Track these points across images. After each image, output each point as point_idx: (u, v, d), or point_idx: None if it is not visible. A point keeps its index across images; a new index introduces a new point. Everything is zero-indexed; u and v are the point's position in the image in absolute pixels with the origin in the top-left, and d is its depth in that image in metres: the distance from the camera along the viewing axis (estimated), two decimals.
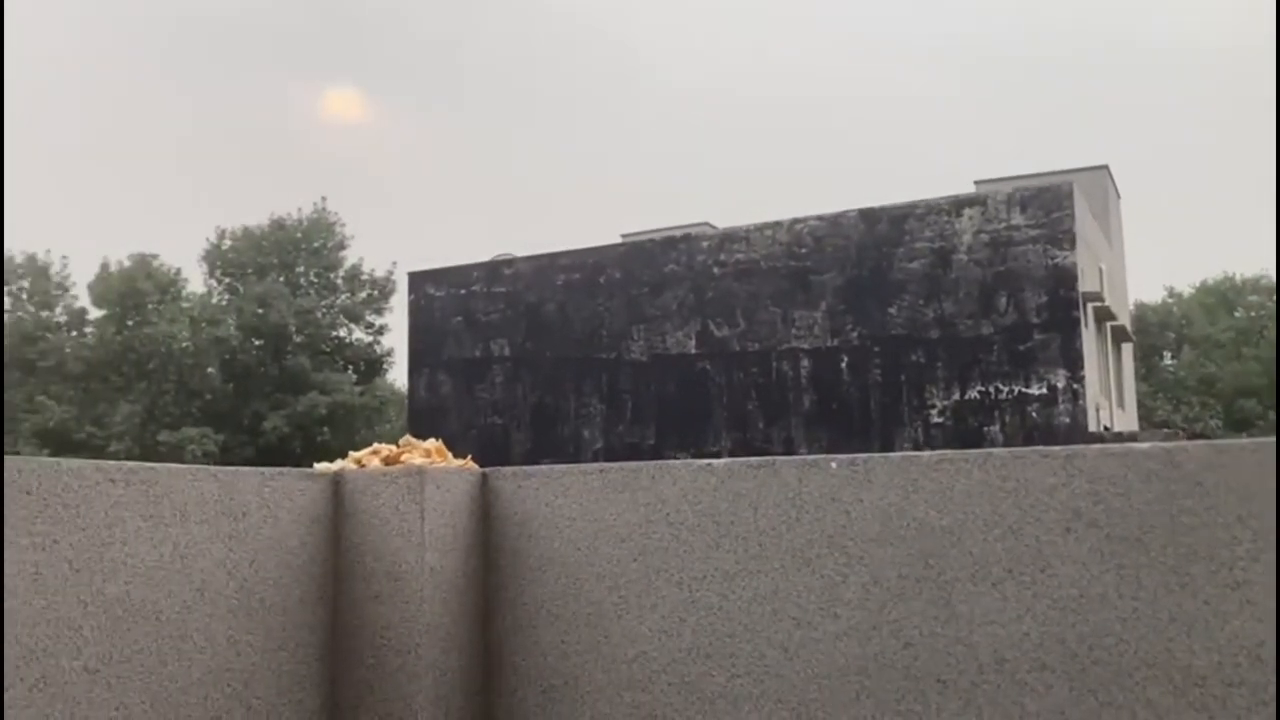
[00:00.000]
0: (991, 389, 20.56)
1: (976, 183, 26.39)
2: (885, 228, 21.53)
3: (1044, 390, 20.14)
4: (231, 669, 2.13)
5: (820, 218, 22.42)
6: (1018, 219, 20.53)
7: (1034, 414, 20.17)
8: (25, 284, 35.97)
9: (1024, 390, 20.29)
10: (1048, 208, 20.23)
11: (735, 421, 22.83)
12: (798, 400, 22.66)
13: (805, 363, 22.60)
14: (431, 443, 2.62)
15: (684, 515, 2.30)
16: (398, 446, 2.61)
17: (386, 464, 2.55)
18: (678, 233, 25.54)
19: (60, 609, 1.85)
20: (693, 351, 23.38)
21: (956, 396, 20.81)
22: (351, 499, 2.41)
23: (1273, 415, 38.94)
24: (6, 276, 35.58)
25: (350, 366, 39.12)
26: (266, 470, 2.29)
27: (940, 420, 20.85)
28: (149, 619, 1.99)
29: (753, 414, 22.63)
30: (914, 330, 21.21)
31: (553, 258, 25.41)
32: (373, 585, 2.36)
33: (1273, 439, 1.84)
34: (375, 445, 2.61)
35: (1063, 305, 20.00)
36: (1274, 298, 42.22)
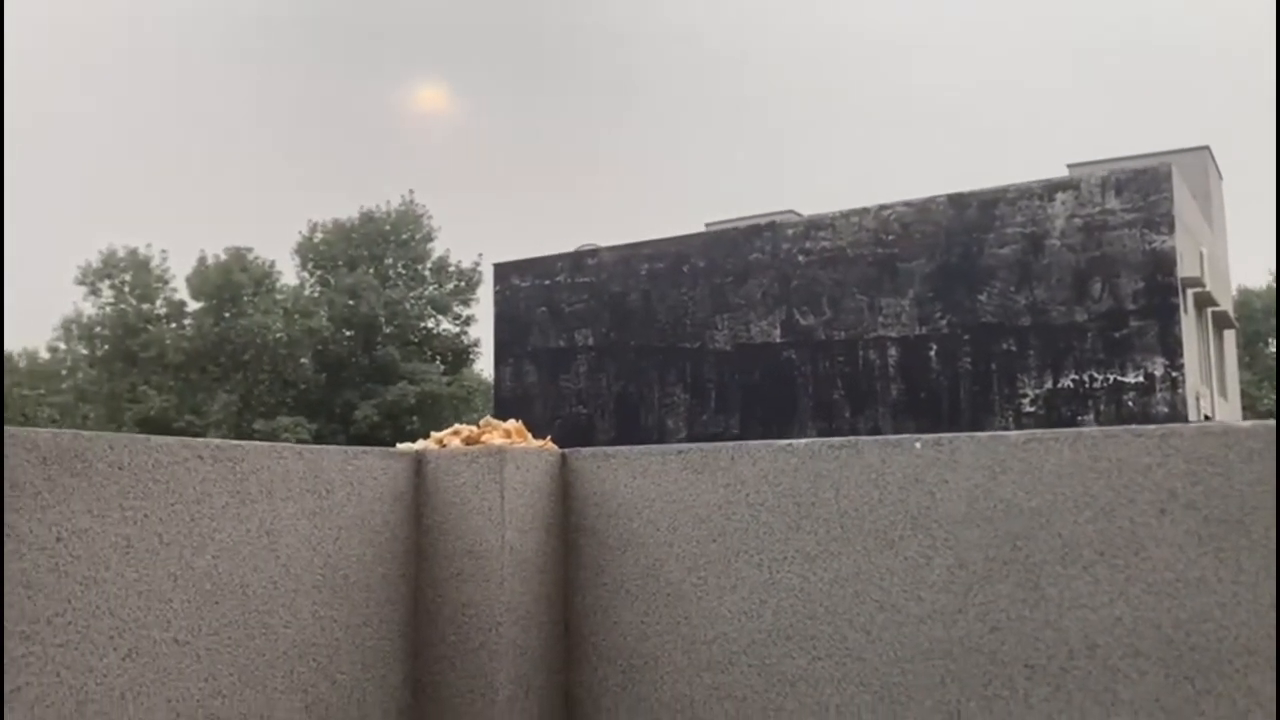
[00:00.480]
0: (1085, 377, 20.04)
1: (1070, 166, 25.72)
2: (975, 213, 21.09)
3: (1140, 378, 19.56)
4: (317, 644, 2.17)
5: (908, 203, 22.04)
6: (1113, 202, 19.95)
7: (1130, 403, 19.61)
8: (127, 277, 37.22)
9: (1119, 378, 19.73)
10: (1145, 190, 19.61)
11: (821, 411, 22.63)
12: (885, 389, 22.35)
13: (893, 351, 22.28)
14: (512, 423, 2.63)
15: (764, 496, 2.27)
16: (478, 427, 2.63)
17: (467, 444, 2.57)
18: (762, 220, 25.38)
19: (151, 581, 1.89)
20: (777, 340, 23.22)
21: (1049, 385, 20.33)
22: (433, 478, 2.43)
23: None
24: (110, 270, 36.84)
25: (438, 357, 39.74)
26: (350, 449, 2.32)
27: (1032, 409, 20.39)
28: (236, 593, 2.03)
29: (838, 403, 22.39)
30: (1005, 318, 20.76)
31: (636, 247, 25.44)
32: (454, 563, 2.38)
33: None
34: (456, 426, 2.63)
35: (1160, 291, 19.39)
36: None
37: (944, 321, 21.65)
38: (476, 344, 40.71)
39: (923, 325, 21.87)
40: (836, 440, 2.22)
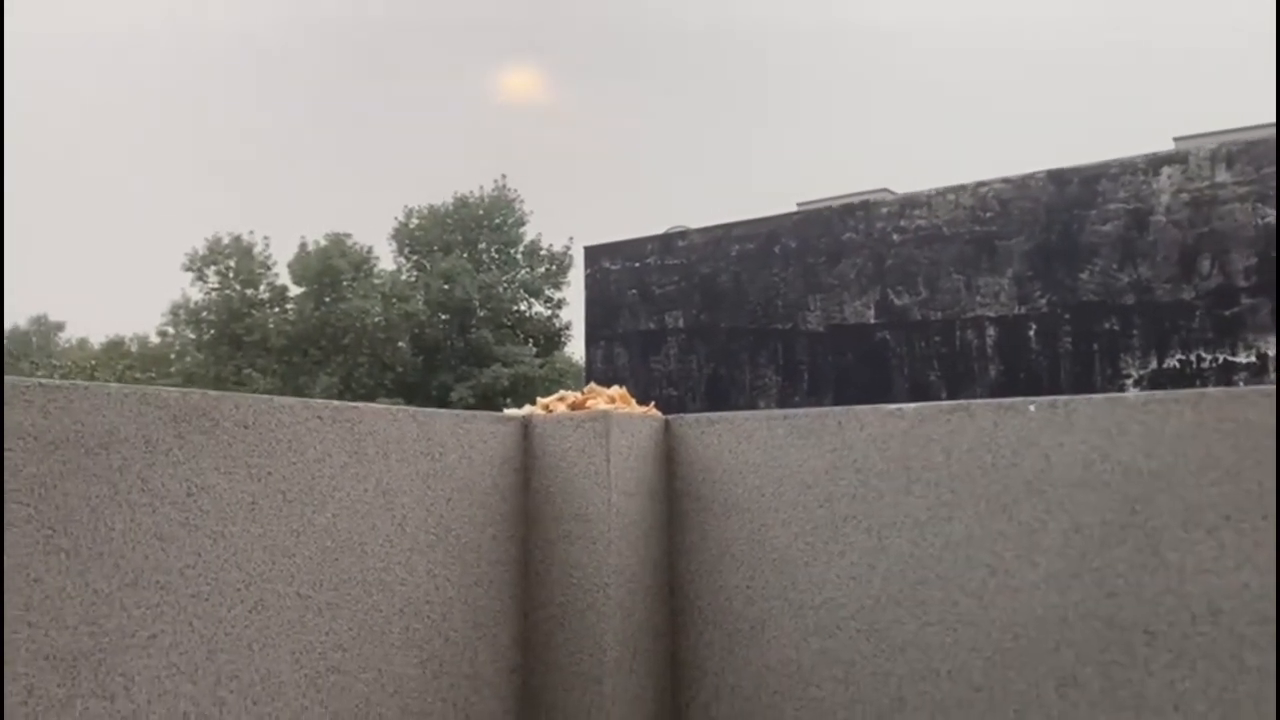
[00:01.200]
0: (1193, 357, 19.35)
1: (1176, 139, 24.82)
2: (1076, 189, 20.49)
3: (1252, 359, 18.82)
4: (431, 601, 2.22)
5: (1006, 180, 21.48)
6: (1223, 176, 19.17)
7: (1241, 384, 18.91)
8: (232, 264, 38.33)
9: (1229, 358, 19.01)
10: (1258, 163, 18.80)
11: (916, 392, 22.28)
12: (983, 370, 21.89)
13: (990, 331, 21.79)
14: (615, 390, 2.65)
15: (872, 461, 2.25)
16: (583, 394, 2.66)
17: (572, 410, 2.60)
18: (855, 200, 25.05)
19: (275, 537, 1.96)
20: (871, 321, 22.88)
21: (1154, 365, 19.69)
22: (540, 442, 2.47)
23: None
24: (215, 256, 37.99)
25: (530, 339, 40.13)
26: (461, 413, 2.36)
27: (1136, 390, 19.81)
28: (355, 550, 2.09)
29: (934, 384, 22.00)
30: (1107, 296, 20.14)
31: (727, 228, 25.26)
32: (561, 526, 2.41)
33: None
34: (562, 392, 2.66)
35: (1274, 267, 18.63)
36: None
37: (1044, 300, 21.09)
38: (568, 327, 40.99)
39: (1022, 304, 21.33)
40: (947, 404, 2.19)
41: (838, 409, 2.31)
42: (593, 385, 2.68)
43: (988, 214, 22.06)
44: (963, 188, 23.34)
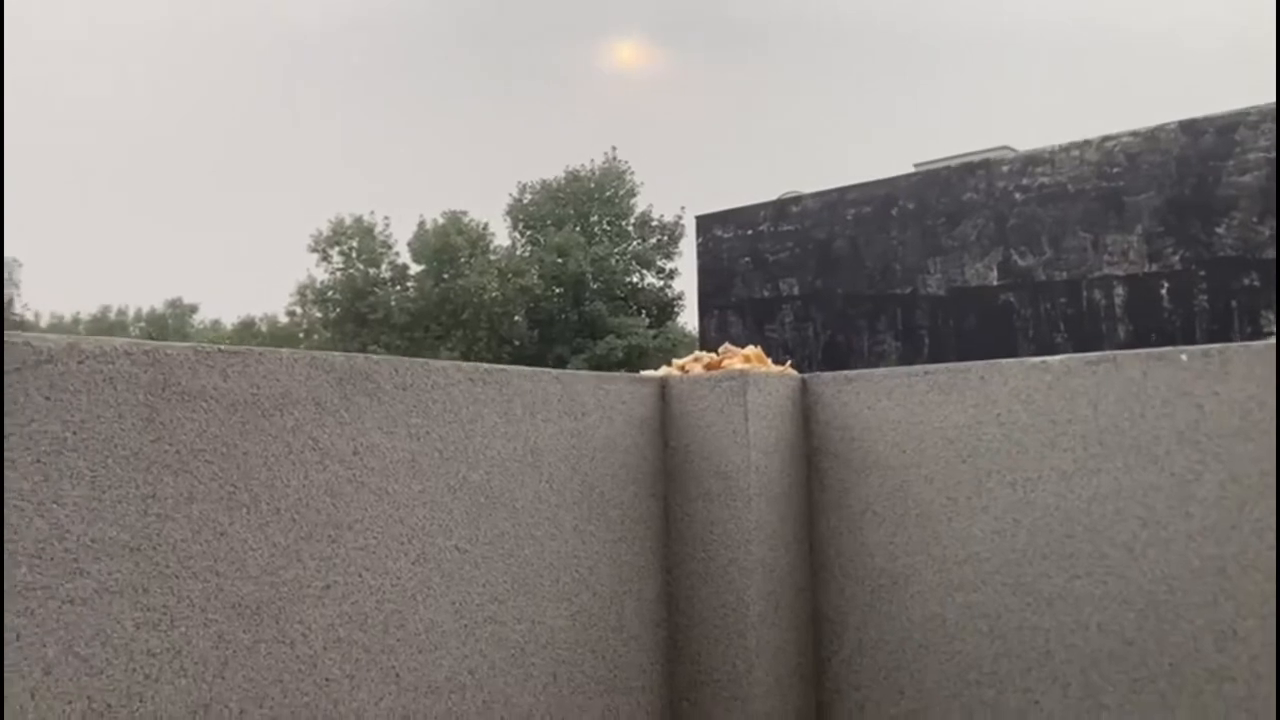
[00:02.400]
0: None
1: None
2: (1211, 139, 19.58)
3: None
4: (578, 556, 2.29)
5: (1134, 133, 20.64)
6: None
7: None
8: (354, 244, 39.41)
9: None
10: None
11: (1042, 355, 21.70)
12: (1111, 331, 21.18)
13: (1119, 290, 21.04)
14: (751, 349, 2.68)
15: (1016, 415, 2.24)
16: (719, 354, 2.69)
17: (708, 370, 2.63)
18: (975, 158, 24.40)
19: (434, 494, 2.05)
20: (994, 283, 22.32)
21: None
22: (678, 402, 2.51)
23: None
24: (339, 237, 39.10)
25: (643, 311, 40.31)
26: (601, 374, 2.42)
27: None
28: (506, 506, 2.17)
29: (1061, 346, 21.38)
30: (1246, 250, 19.24)
31: (841, 192, 24.88)
32: (701, 484, 2.46)
33: None
34: (697, 352, 2.70)
35: None
36: None
37: (1176, 257, 20.26)
38: (680, 297, 41.03)
39: (1152, 262, 20.53)
40: (1093, 355, 2.16)
41: (979, 363, 2.30)
42: (728, 346, 2.71)
43: (1115, 169, 21.23)
44: (1088, 143, 22.52)
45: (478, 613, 2.09)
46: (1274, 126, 19.44)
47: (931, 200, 24.34)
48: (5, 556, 1.50)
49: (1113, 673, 2.08)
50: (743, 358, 2.66)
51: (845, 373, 2.50)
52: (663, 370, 2.65)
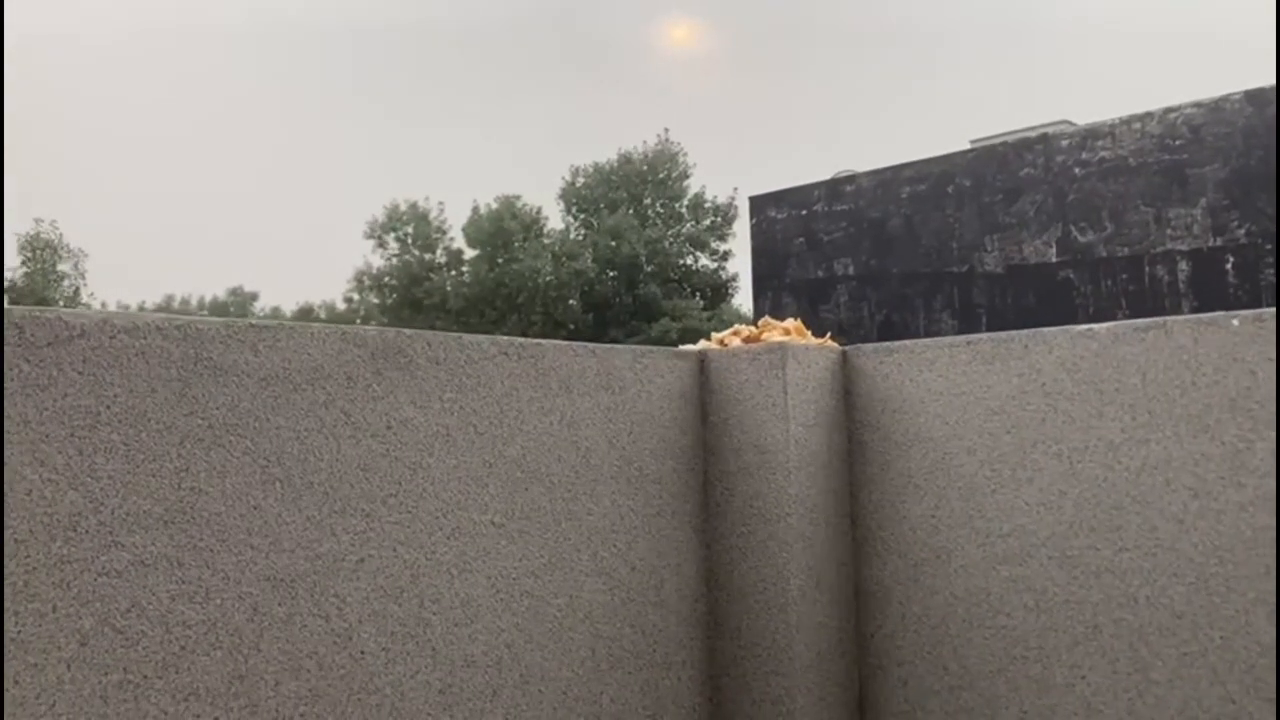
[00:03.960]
0: None
1: None
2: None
3: None
4: (616, 531, 2.28)
5: (1198, 104, 20.11)
6: None
7: None
8: (409, 229, 39.79)
9: None
10: None
11: None
12: (1175, 307, 20.69)
13: (1183, 266, 20.56)
14: (790, 322, 2.64)
15: (1061, 384, 2.18)
16: (757, 327, 2.66)
17: (747, 343, 2.60)
18: (1033, 133, 23.94)
19: (469, 468, 2.05)
20: (1053, 260, 21.92)
21: None
22: (717, 376, 2.49)
23: None
24: (394, 224, 39.47)
25: (697, 293, 40.24)
26: (637, 348, 2.40)
27: None
28: (542, 481, 2.16)
29: None
30: None
31: (896, 170, 24.58)
32: (740, 458, 2.43)
33: None
34: (736, 326, 2.67)
35: None
36: None
37: (1241, 231, 19.72)
38: (734, 278, 40.89)
39: (1217, 236, 20.01)
40: (1142, 321, 2.09)
41: (1023, 332, 2.25)
42: (767, 318, 2.67)
43: (1178, 141, 20.74)
44: (1149, 115, 22.02)
45: (514, 587, 2.09)
46: None
47: (988, 177, 23.96)
48: (43, 529, 1.52)
49: (1162, 647, 2.02)
50: (782, 330, 2.62)
51: (887, 344, 2.46)
52: (701, 344, 2.62)
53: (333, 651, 1.82)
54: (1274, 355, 1.92)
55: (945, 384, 2.34)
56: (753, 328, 2.66)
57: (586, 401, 2.26)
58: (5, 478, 1.50)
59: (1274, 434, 1.91)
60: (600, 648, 2.22)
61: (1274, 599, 1.90)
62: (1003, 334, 2.27)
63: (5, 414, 1.51)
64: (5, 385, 1.51)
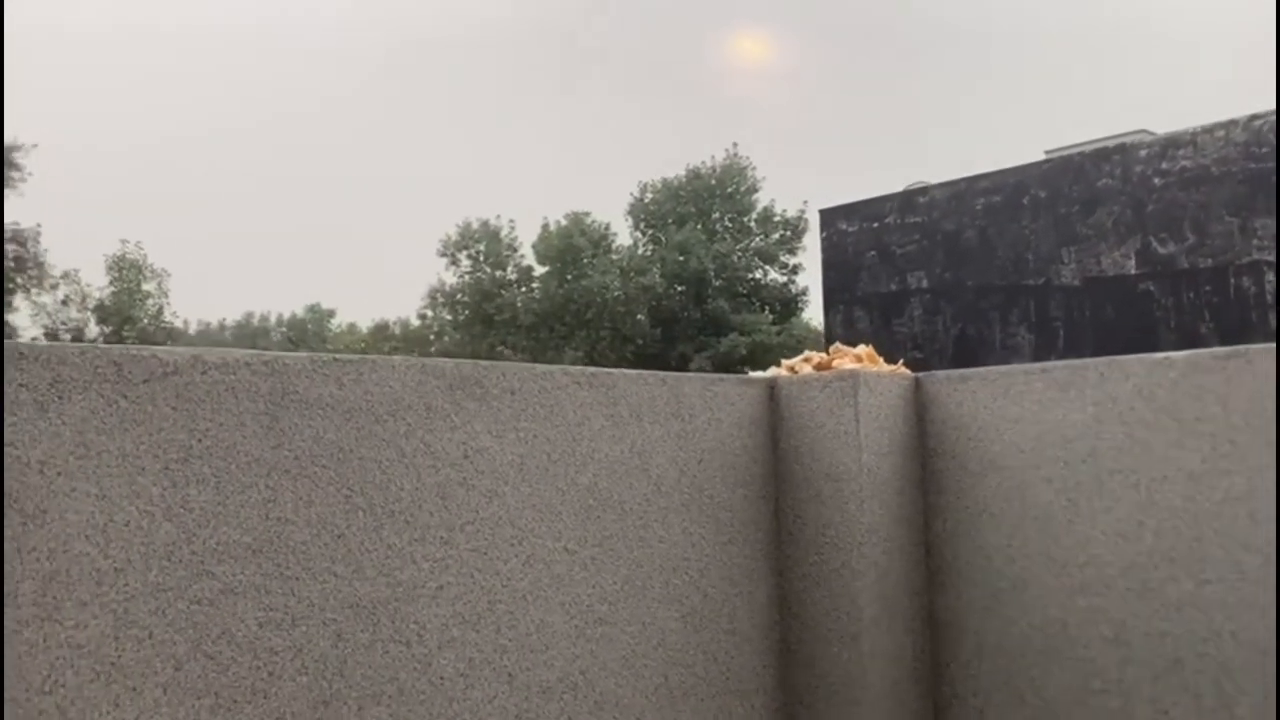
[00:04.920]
0: None
1: None
2: None
3: None
4: (688, 559, 2.30)
5: None
6: None
7: None
8: (481, 247, 40.24)
9: None
10: None
11: (1186, 346, 20.71)
12: (1262, 319, 20.11)
13: (1270, 277, 19.99)
14: (862, 348, 2.64)
15: (1139, 413, 2.15)
16: (828, 354, 2.66)
17: (818, 370, 2.61)
18: (1110, 143, 23.47)
19: (542, 496, 2.08)
20: (1132, 272, 21.44)
21: None
22: (787, 403, 2.49)
23: None
24: (466, 242, 40.00)
25: (767, 307, 40.07)
26: (707, 375, 2.42)
27: None
28: (615, 509, 2.19)
29: (1206, 337, 20.38)
30: None
31: (970, 181, 24.25)
32: (812, 486, 2.43)
33: None
34: (807, 353, 2.68)
35: None
36: None
37: None
38: (804, 292, 40.64)
39: None
40: (1221, 350, 2.06)
41: (1100, 359, 2.22)
42: (838, 345, 2.68)
43: (1263, 149, 20.16)
44: (1233, 123, 21.46)
45: (588, 614, 2.12)
46: None
47: (1064, 187, 23.54)
48: (140, 558, 1.59)
49: (1248, 683, 1.98)
50: (854, 357, 2.62)
51: (960, 371, 2.45)
52: (771, 371, 2.63)
53: (413, 677, 1.86)
54: None
55: (1020, 411, 2.32)
56: (823, 354, 2.66)
57: (657, 430, 2.28)
58: (105, 509, 1.56)
59: None
60: (673, 675, 2.24)
61: None
62: (1078, 361, 2.25)
63: (104, 448, 1.58)
64: (105, 421, 1.58)
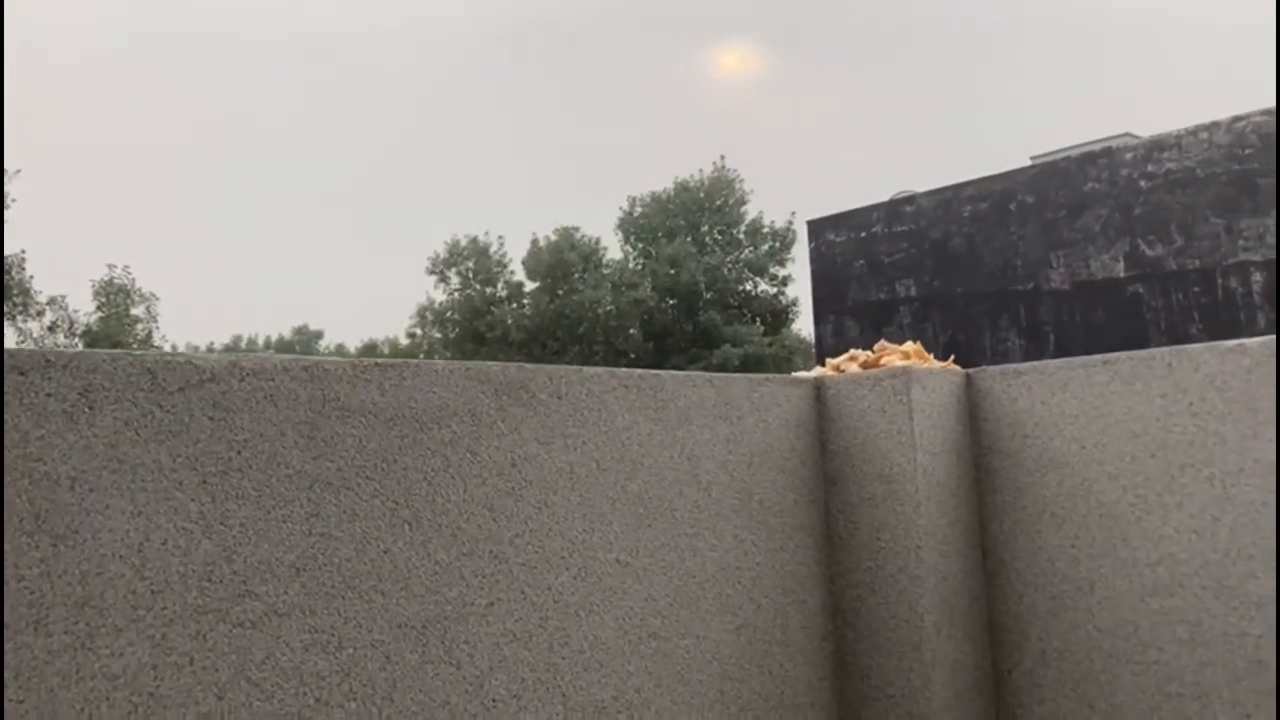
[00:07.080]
0: None
1: None
2: None
3: None
4: (740, 567, 2.19)
5: (1267, 112, 19.63)
6: None
7: None
8: (470, 264, 40.11)
9: None
10: None
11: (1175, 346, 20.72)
12: (1250, 320, 20.13)
13: (1257, 277, 20.01)
14: (909, 345, 2.55)
15: (1211, 404, 2.06)
16: (874, 351, 2.56)
17: (864, 368, 2.51)
18: (1096, 147, 23.53)
19: (592, 505, 1.98)
20: (1121, 275, 21.46)
21: None
22: (834, 403, 2.40)
23: None
24: (455, 259, 39.86)
25: (758, 318, 40.04)
26: (754, 376, 2.32)
27: None
28: (665, 516, 2.09)
29: (1196, 337, 20.39)
30: None
31: (956, 189, 24.27)
32: (864, 488, 2.34)
33: None
34: (853, 351, 2.58)
35: None
36: None
37: None
38: (795, 303, 40.66)
39: None
40: None
41: (1166, 349, 2.13)
42: (884, 342, 2.58)
43: (1247, 150, 20.25)
44: (1216, 124, 21.54)
45: (641, 628, 2.01)
46: None
47: (1051, 193, 23.58)
48: (179, 579, 1.48)
49: None
50: (901, 354, 2.53)
51: (1014, 366, 2.35)
52: (816, 370, 2.54)
53: (464, 700, 1.75)
54: None
55: (1081, 406, 2.23)
56: (869, 353, 2.56)
57: (705, 433, 2.18)
58: (140, 527, 1.45)
59: None
60: (729, 690, 2.13)
61: None
62: (1142, 352, 2.16)
63: (138, 461, 1.47)
64: (139, 433, 1.47)
